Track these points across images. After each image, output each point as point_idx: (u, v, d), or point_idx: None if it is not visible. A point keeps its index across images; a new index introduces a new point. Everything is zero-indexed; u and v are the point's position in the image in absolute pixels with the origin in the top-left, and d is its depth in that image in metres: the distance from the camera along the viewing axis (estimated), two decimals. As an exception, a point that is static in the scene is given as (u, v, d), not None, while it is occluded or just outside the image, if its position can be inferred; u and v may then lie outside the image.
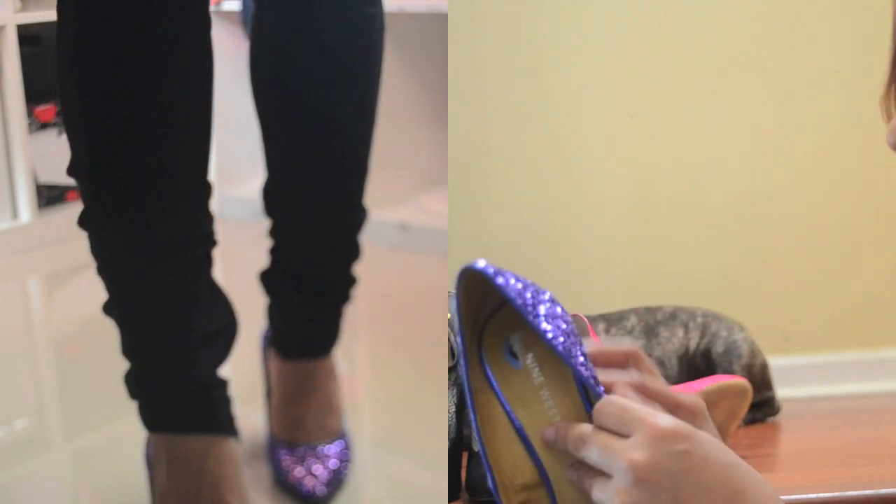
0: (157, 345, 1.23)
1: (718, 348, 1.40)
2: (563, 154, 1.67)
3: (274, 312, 1.48)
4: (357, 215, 1.39)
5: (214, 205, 1.22)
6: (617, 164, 1.67)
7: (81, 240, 1.19)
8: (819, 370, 1.61)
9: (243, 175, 2.78)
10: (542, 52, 1.66)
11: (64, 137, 1.16)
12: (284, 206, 1.38)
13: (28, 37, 2.53)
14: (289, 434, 1.43)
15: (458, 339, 0.68)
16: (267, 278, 1.45)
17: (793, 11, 1.61)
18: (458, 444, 1.18)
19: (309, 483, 1.38)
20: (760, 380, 1.41)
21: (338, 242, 1.40)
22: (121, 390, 1.73)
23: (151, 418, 1.27)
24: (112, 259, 1.18)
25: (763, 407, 1.42)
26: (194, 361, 1.23)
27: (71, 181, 1.19)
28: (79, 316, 2.21)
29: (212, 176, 3.02)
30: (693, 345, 1.41)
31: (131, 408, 1.75)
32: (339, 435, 1.44)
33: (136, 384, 1.26)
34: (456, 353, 0.71)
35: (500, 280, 0.69)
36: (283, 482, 1.41)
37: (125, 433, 1.66)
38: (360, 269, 1.61)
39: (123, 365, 1.28)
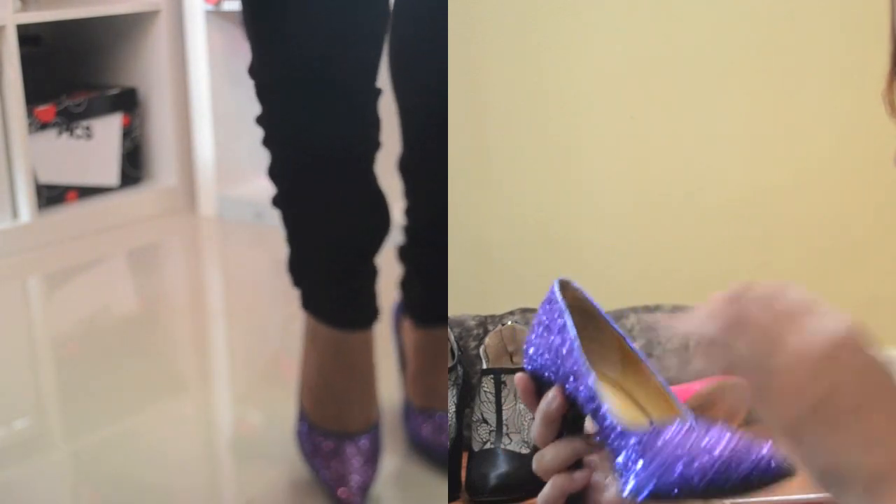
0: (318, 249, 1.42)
1: (717, 348, 1.40)
2: (563, 154, 1.67)
3: (412, 283, 1.55)
4: None
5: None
6: (617, 164, 1.67)
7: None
8: (819, 370, 1.61)
9: (243, 175, 2.78)
10: (542, 52, 1.66)
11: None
12: (423, 178, 1.46)
13: (28, 37, 2.53)
14: (426, 401, 1.51)
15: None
16: (405, 251, 1.54)
17: (793, 11, 1.61)
18: (458, 444, 1.18)
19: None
20: (760, 379, 1.41)
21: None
22: (121, 390, 1.74)
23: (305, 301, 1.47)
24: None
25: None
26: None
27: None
28: (79, 316, 2.21)
29: (211, 176, 3.02)
30: (692, 344, 1.41)
31: (131, 408, 1.76)
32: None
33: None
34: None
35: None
36: (420, 447, 1.50)
37: (125, 433, 1.67)
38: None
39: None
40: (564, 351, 0.74)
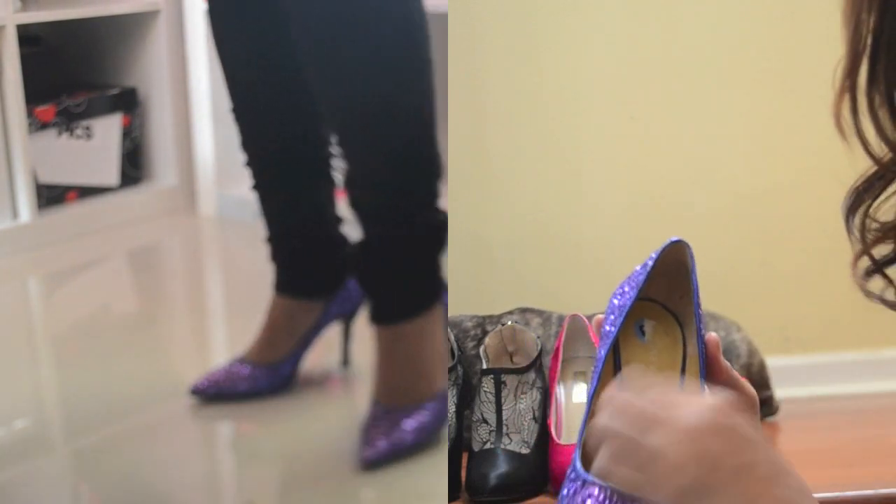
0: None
1: (717, 348, 1.40)
2: (563, 154, 1.67)
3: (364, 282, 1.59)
4: None
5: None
6: (617, 164, 1.67)
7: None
8: (819, 370, 1.61)
9: (243, 175, 2.78)
10: (542, 52, 1.66)
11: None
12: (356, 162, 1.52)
13: (28, 37, 2.53)
14: (380, 396, 1.54)
15: (625, 299, 0.76)
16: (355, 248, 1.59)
17: (792, 11, 1.61)
18: (458, 444, 1.18)
19: (366, 450, 1.48)
20: (759, 379, 1.40)
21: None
22: (121, 390, 1.74)
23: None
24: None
25: (762, 406, 1.42)
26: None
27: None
28: (79, 316, 2.21)
29: (211, 176, 3.01)
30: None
31: (131, 408, 1.76)
32: (425, 401, 1.51)
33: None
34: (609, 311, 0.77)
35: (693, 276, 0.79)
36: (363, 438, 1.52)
37: (125, 433, 1.66)
38: (359, 269, 1.61)
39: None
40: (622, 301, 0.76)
